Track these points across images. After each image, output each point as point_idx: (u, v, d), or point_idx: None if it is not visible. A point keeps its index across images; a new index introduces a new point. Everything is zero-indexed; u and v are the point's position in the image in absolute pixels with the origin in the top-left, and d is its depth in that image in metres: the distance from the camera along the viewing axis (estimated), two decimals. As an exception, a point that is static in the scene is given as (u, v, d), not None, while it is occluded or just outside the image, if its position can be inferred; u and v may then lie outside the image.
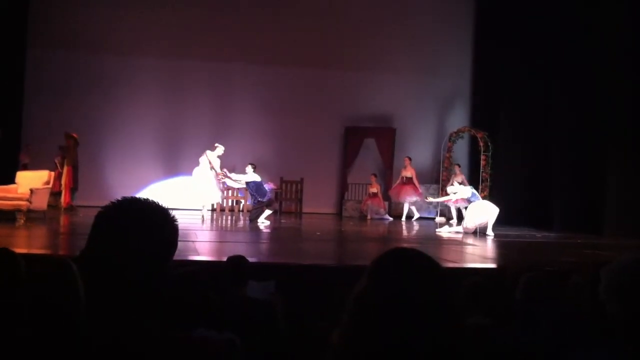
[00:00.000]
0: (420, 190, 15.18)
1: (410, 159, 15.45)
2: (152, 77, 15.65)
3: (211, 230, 12.30)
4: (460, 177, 14.61)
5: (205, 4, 15.75)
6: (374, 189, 15.61)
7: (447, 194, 13.49)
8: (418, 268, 1.41)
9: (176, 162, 15.27)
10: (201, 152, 13.54)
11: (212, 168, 13.14)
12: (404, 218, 15.38)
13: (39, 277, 2.18)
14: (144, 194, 14.34)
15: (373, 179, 15.71)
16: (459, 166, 15.08)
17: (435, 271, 1.42)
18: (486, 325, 1.89)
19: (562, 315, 2.04)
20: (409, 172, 15.26)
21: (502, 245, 10.65)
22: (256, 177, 12.92)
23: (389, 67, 16.58)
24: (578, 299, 1.92)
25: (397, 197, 15.46)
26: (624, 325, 1.75)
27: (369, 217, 15.40)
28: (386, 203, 15.92)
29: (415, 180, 15.24)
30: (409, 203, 15.40)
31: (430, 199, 13.72)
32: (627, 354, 1.74)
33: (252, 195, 13.12)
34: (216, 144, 13.29)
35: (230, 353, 1.52)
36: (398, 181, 15.55)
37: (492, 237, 11.56)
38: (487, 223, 11.90)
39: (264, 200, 12.98)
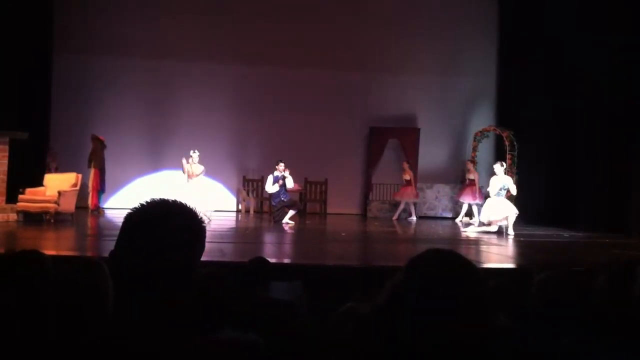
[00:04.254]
0: (477, 195, 15.00)
1: (472, 162, 15.36)
2: (174, 79, 15.75)
3: (236, 231, 12.36)
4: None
5: (228, 7, 15.82)
6: (407, 176, 15.54)
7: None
8: (453, 267, 1.46)
9: (202, 165, 15.24)
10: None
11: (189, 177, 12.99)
12: (467, 219, 15.30)
13: (70, 277, 2.22)
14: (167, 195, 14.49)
15: (406, 165, 15.61)
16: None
17: (469, 271, 1.46)
18: (509, 326, 1.90)
19: (582, 316, 2.03)
20: (471, 175, 15.17)
21: (530, 245, 10.56)
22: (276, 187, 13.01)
23: (412, 67, 16.54)
24: (603, 299, 1.90)
25: (458, 197, 15.45)
26: None
27: (402, 205, 15.42)
28: (420, 193, 15.89)
29: (476, 183, 15.09)
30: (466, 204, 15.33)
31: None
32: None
33: (273, 195, 13.17)
34: (192, 152, 13.15)
35: (254, 353, 1.53)
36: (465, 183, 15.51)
37: (513, 237, 11.49)
38: (506, 221, 11.87)
39: (285, 200, 13.03)
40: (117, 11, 15.37)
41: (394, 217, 15.40)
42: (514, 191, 12.08)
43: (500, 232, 11.96)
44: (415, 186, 15.66)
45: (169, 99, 15.81)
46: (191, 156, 13.06)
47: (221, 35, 15.78)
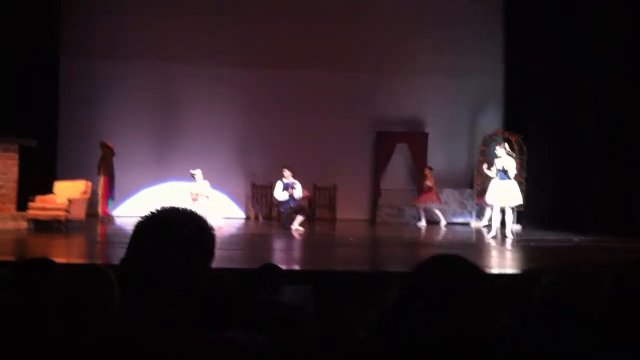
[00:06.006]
0: None
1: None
2: (182, 83, 15.78)
3: (245, 238, 12.37)
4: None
5: (237, 11, 15.85)
6: (429, 182, 15.40)
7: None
8: (459, 272, 1.47)
9: (210, 172, 15.19)
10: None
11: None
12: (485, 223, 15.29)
13: (77, 284, 2.24)
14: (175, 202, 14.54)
15: (427, 171, 15.51)
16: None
17: (475, 276, 1.48)
18: (510, 327, 1.90)
19: (586, 317, 2.03)
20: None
21: (541, 250, 10.52)
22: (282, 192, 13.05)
23: (419, 71, 16.50)
24: (607, 300, 1.90)
25: (480, 201, 15.34)
26: None
27: (422, 212, 15.34)
28: (442, 197, 15.82)
29: None
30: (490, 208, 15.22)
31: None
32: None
33: (281, 202, 13.17)
34: (192, 172, 13.11)
35: (256, 355, 1.54)
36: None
37: (512, 240, 11.36)
38: (508, 212, 11.70)
39: (294, 206, 13.03)
40: (124, 14, 15.37)
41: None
42: (511, 174, 11.57)
43: (504, 236, 11.82)
44: (436, 191, 15.55)
45: (176, 104, 15.85)
46: (193, 174, 13.01)
47: (227, 38, 15.77)
